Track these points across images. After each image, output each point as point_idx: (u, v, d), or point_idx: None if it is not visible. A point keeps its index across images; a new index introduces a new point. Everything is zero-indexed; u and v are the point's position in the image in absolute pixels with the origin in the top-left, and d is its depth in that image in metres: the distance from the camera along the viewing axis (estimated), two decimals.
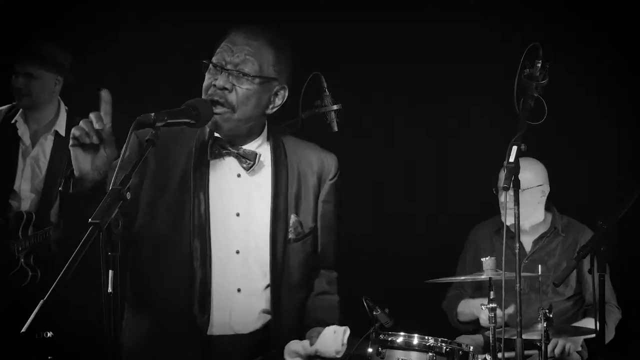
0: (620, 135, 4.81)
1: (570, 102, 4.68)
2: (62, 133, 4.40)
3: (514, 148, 3.07)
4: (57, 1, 4.82)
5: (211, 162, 2.64)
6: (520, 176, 4.26)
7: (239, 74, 2.57)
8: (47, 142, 4.41)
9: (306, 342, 2.62)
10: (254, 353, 2.66)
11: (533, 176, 4.38)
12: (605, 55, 4.72)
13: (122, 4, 4.89)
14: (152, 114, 2.33)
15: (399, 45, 5.06)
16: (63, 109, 4.48)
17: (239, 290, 2.62)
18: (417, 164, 5.12)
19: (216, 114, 2.56)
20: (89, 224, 2.05)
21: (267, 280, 2.65)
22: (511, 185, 3.07)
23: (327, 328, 2.62)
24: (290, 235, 2.67)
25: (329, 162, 2.79)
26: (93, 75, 4.52)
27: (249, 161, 2.64)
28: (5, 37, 4.76)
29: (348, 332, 2.61)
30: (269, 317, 2.67)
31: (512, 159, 3.08)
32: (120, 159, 2.23)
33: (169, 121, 2.37)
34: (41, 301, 1.96)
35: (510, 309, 3.91)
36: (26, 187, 4.38)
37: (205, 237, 2.59)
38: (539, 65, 3.22)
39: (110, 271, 2.08)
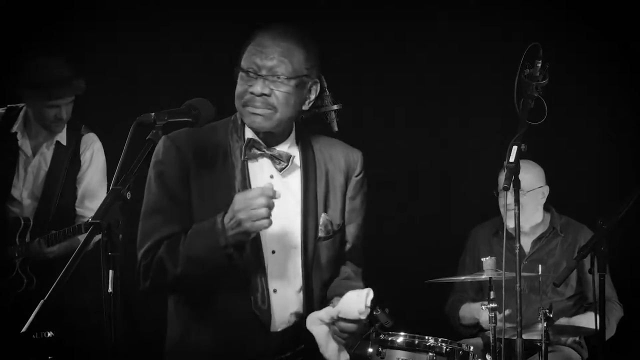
0: (620, 134, 4.81)
1: (570, 102, 4.68)
2: (64, 142, 4.33)
3: (514, 148, 3.07)
4: (56, 1, 4.81)
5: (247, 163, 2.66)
6: (521, 178, 4.29)
7: (274, 78, 2.58)
8: (49, 152, 4.34)
9: (329, 307, 2.59)
10: (283, 349, 2.66)
11: (534, 178, 4.39)
12: (605, 55, 4.73)
13: (122, 4, 4.89)
14: (152, 114, 2.34)
15: (399, 45, 5.06)
16: None
17: (274, 290, 2.64)
18: (417, 164, 5.11)
19: (257, 114, 2.59)
20: (89, 224, 2.06)
21: (300, 281, 2.67)
22: (511, 186, 3.08)
23: (348, 292, 2.58)
24: (321, 234, 2.69)
25: (354, 159, 2.82)
26: (93, 75, 4.51)
27: (283, 162, 2.67)
28: (5, 37, 4.76)
29: (371, 294, 2.55)
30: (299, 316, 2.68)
31: (512, 159, 3.07)
32: (121, 158, 2.24)
33: (169, 120, 2.37)
34: (42, 301, 1.97)
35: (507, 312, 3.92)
36: (26, 195, 4.35)
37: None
38: (539, 65, 3.21)
39: (110, 271, 2.08)
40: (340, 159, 2.79)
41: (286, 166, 2.66)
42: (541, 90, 3.20)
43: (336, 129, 3.73)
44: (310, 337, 2.62)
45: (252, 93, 2.58)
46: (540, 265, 3.97)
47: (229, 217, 2.46)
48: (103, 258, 2.07)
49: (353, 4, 5.03)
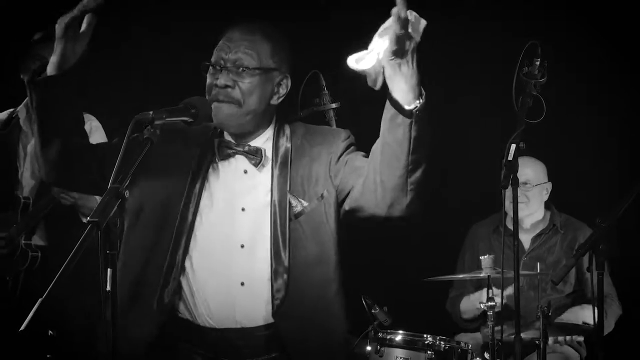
0: (620, 133, 4.81)
1: (569, 100, 4.68)
2: None
3: (513, 146, 3.09)
4: (55, 1, 4.81)
5: (219, 163, 2.67)
6: (527, 173, 4.31)
7: (238, 69, 2.60)
8: None
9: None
10: (268, 348, 2.64)
11: (539, 173, 4.41)
12: (605, 54, 4.73)
13: (122, 4, 4.89)
14: (151, 112, 2.34)
15: None
16: None
17: (242, 283, 2.62)
18: None
19: (222, 110, 2.60)
20: (87, 223, 2.06)
21: (269, 268, 2.64)
22: (510, 183, 3.09)
23: None
24: (297, 209, 2.64)
25: (336, 132, 2.81)
26: (93, 73, 4.51)
27: (257, 157, 2.67)
28: (4, 38, 4.77)
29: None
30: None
31: (510, 157, 3.09)
32: (119, 157, 2.24)
33: (167, 119, 2.37)
34: (40, 299, 1.97)
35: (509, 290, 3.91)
36: (27, 174, 4.36)
37: (188, 231, 2.62)
38: (538, 63, 3.22)
39: (108, 269, 2.08)
40: (323, 139, 2.75)
41: (260, 160, 2.66)
42: (540, 88, 3.21)
43: (335, 127, 3.75)
44: (286, 341, 2.60)
45: (216, 85, 2.60)
46: (539, 263, 3.98)
47: None
48: (101, 257, 2.08)
49: (353, 4, 5.02)
